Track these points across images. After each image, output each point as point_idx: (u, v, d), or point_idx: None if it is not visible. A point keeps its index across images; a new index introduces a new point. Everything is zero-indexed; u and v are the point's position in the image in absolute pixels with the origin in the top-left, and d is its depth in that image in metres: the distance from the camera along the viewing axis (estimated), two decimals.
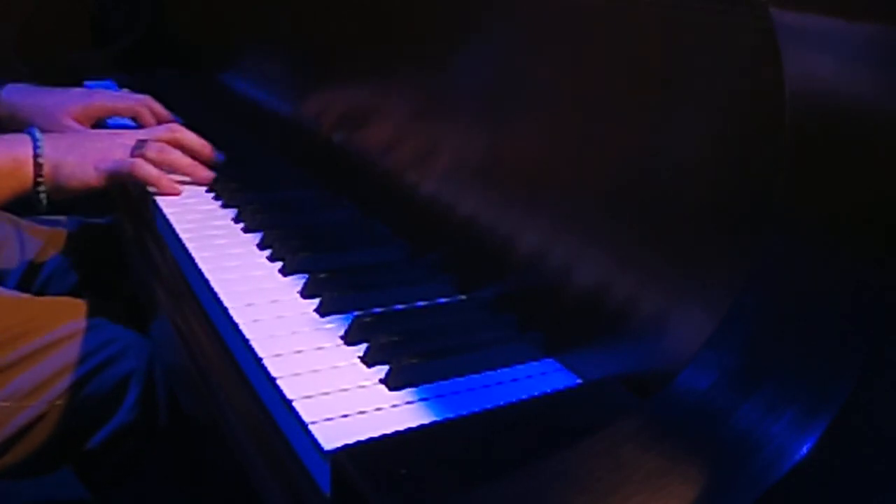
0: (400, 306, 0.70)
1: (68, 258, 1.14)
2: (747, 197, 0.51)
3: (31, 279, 1.11)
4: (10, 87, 1.18)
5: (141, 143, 0.96)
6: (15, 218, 1.14)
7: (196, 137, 1.01)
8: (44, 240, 1.14)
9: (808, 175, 0.46)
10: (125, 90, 1.25)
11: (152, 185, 0.94)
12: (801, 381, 0.43)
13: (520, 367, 0.61)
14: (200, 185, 0.98)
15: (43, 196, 0.93)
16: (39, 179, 0.92)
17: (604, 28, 0.63)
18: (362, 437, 0.49)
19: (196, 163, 0.99)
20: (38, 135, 0.94)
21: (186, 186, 0.98)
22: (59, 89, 1.20)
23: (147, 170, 0.94)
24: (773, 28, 0.48)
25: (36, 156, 0.92)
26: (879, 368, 0.41)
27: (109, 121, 1.24)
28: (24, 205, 0.97)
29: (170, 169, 0.97)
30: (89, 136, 1.02)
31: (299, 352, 0.62)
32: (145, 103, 1.20)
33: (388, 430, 0.50)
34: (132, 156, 0.95)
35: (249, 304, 0.69)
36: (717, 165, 0.53)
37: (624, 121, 0.61)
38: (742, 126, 0.52)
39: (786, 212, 0.47)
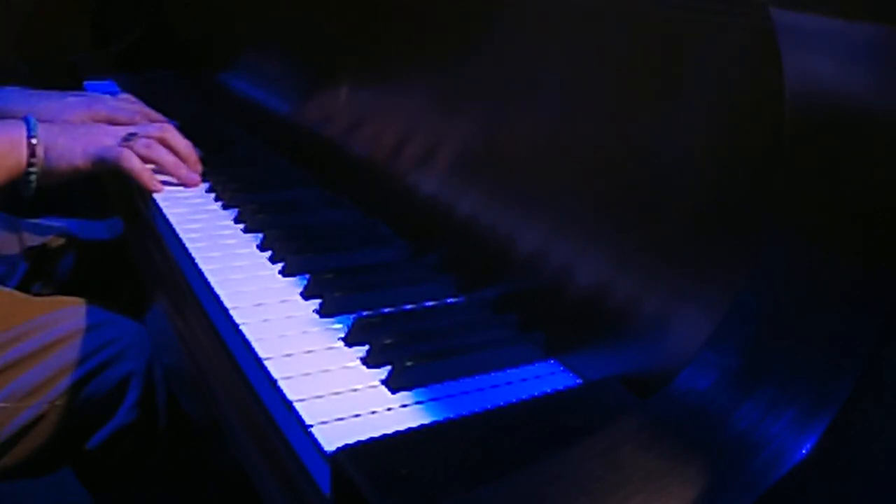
0: (401, 307, 0.70)
1: (68, 258, 1.14)
2: (747, 197, 0.51)
3: (31, 279, 1.11)
4: (3, 90, 1.16)
5: (131, 136, 0.97)
6: (15, 219, 1.13)
7: (185, 141, 1.01)
8: (44, 240, 1.13)
9: (808, 174, 0.46)
10: (125, 94, 1.23)
11: (135, 177, 0.95)
12: (801, 381, 0.43)
13: (520, 367, 0.61)
14: (184, 185, 0.99)
15: (33, 178, 0.94)
16: (32, 160, 0.93)
17: (603, 28, 0.63)
18: (363, 439, 0.49)
19: (181, 163, 0.99)
20: (33, 120, 0.95)
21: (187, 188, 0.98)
22: (55, 94, 1.17)
23: (133, 162, 0.95)
24: (773, 28, 0.48)
25: (30, 137, 0.94)
26: (879, 368, 0.41)
27: None
28: (9, 196, 0.97)
29: (155, 165, 0.98)
30: (82, 124, 1.04)
31: (300, 353, 0.62)
32: (145, 114, 1.18)
33: (389, 432, 0.50)
34: (120, 146, 0.96)
35: (250, 305, 0.69)
36: (716, 165, 0.53)
37: (624, 120, 0.61)
38: (742, 126, 0.52)
39: (785, 211, 0.47)
